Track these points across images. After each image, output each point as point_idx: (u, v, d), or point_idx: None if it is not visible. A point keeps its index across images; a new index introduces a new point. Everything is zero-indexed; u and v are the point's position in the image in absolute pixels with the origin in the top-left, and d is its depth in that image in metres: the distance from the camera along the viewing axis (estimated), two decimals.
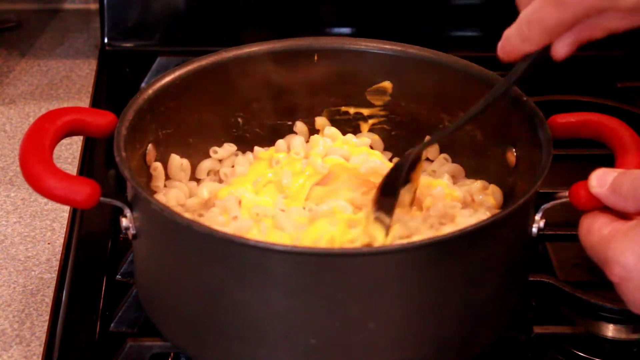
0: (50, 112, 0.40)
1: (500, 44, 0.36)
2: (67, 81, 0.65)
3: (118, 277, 0.45)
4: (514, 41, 0.35)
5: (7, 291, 0.46)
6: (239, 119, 0.47)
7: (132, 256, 0.44)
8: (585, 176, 0.37)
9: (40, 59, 0.67)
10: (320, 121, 0.48)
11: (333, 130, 0.47)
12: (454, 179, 0.46)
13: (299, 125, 0.48)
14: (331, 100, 0.48)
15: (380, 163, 0.44)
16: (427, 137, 0.44)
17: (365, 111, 0.48)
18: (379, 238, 0.39)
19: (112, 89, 0.63)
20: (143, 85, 0.61)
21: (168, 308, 0.39)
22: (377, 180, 0.43)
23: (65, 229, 0.49)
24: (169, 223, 0.36)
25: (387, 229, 0.39)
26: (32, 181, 0.37)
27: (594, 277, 0.44)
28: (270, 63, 0.46)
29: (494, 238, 0.36)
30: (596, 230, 0.35)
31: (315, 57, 0.46)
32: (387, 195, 0.40)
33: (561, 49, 0.35)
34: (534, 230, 0.39)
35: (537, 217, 0.38)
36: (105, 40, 0.66)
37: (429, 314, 0.36)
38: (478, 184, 0.45)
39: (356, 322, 0.35)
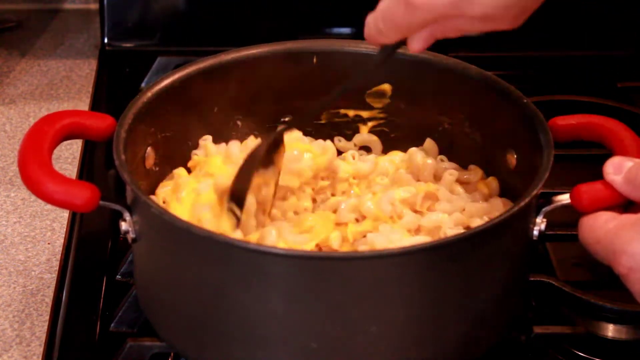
0: (49, 115, 0.40)
1: (364, 29, 0.37)
2: (67, 81, 0.65)
3: (118, 277, 0.45)
4: (372, 32, 0.36)
5: (7, 291, 0.46)
6: (238, 122, 0.47)
7: (131, 256, 0.44)
8: (585, 177, 0.37)
9: (40, 59, 0.67)
10: (360, 137, 0.48)
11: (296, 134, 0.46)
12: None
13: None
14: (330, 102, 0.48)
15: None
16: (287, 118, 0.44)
17: (365, 114, 0.48)
18: (228, 230, 0.38)
19: (112, 89, 0.63)
20: (143, 85, 0.61)
21: (168, 311, 0.39)
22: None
23: (65, 229, 0.49)
24: (168, 226, 0.36)
25: (238, 220, 0.38)
26: (32, 185, 0.37)
27: (594, 277, 0.45)
28: (270, 65, 0.46)
29: (495, 241, 0.36)
30: (601, 225, 0.34)
31: (314, 59, 0.46)
32: (240, 183, 0.39)
33: (415, 44, 0.36)
34: (535, 232, 0.38)
35: (538, 219, 0.38)
36: (105, 40, 0.66)
37: (430, 317, 0.36)
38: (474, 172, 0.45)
39: (357, 325, 0.35)
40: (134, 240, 0.38)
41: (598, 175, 0.37)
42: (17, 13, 0.72)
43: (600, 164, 0.37)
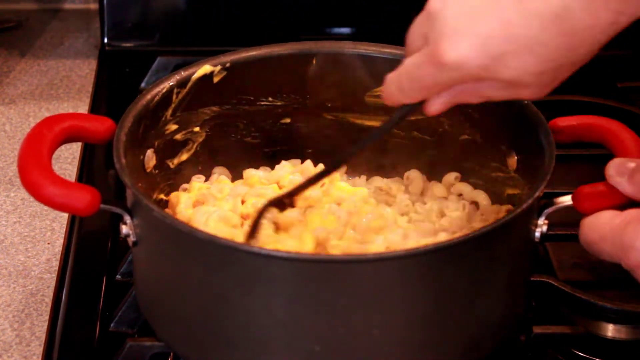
0: (48, 118, 0.40)
1: (383, 88, 0.36)
2: (67, 81, 0.65)
3: (118, 277, 0.45)
4: (393, 90, 0.35)
5: (6, 291, 0.46)
6: (239, 123, 0.47)
7: (131, 256, 0.44)
8: (587, 177, 0.37)
9: (40, 59, 0.67)
10: (448, 178, 0.47)
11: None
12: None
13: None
14: (330, 104, 0.48)
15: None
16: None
17: (366, 122, 0.48)
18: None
19: (112, 89, 0.63)
20: (143, 85, 0.61)
21: (168, 314, 0.39)
22: None
23: (65, 229, 0.49)
24: (170, 230, 0.35)
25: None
26: (32, 189, 0.37)
27: (594, 277, 0.45)
28: (271, 67, 0.46)
29: (497, 243, 0.36)
30: (606, 221, 0.34)
31: (314, 61, 0.46)
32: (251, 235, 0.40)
33: (433, 107, 0.35)
34: (537, 234, 0.38)
35: (540, 221, 0.38)
36: (105, 40, 0.66)
37: (433, 320, 0.36)
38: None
39: (360, 328, 0.35)
40: (135, 243, 0.38)
41: (599, 174, 0.37)
42: (17, 13, 0.72)
43: (601, 164, 0.37)
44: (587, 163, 0.47)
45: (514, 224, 0.36)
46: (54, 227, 0.50)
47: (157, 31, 0.66)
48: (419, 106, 0.35)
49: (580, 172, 0.38)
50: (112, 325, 0.42)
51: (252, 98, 0.47)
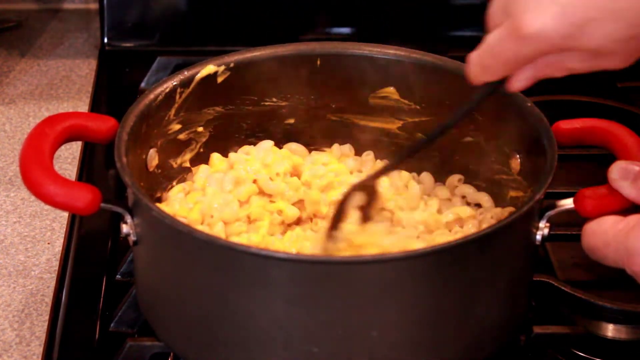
0: (50, 117, 0.40)
1: (465, 67, 0.35)
2: (67, 81, 0.65)
3: (118, 277, 0.45)
4: (477, 68, 0.35)
5: (6, 291, 0.46)
6: (243, 124, 0.47)
7: (131, 256, 0.44)
8: (589, 177, 0.37)
9: (40, 59, 0.67)
10: (451, 180, 0.47)
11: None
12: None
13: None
14: (334, 105, 0.48)
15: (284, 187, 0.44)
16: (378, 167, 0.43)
17: (370, 123, 0.48)
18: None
19: (112, 89, 0.63)
20: (143, 85, 0.61)
21: (169, 314, 0.39)
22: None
23: (65, 229, 0.49)
24: (170, 230, 0.35)
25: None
26: (33, 187, 0.37)
27: (594, 277, 0.45)
28: (275, 67, 0.46)
29: (498, 246, 0.36)
30: (609, 227, 0.34)
31: (318, 62, 0.46)
32: (334, 225, 0.40)
33: (517, 83, 0.34)
34: (538, 237, 0.38)
35: (541, 224, 0.38)
36: (105, 40, 0.66)
37: (432, 322, 0.36)
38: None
39: (358, 330, 0.35)
40: (135, 243, 0.38)
41: (602, 174, 0.37)
42: (17, 13, 0.72)
43: (603, 164, 0.37)
44: (590, 163, 0.47)
45: (515, 226, 0.36)
46: (54, 227, 0.50)
47: (157, 31, 0.66)
48: (502, 84, 0.35)
49: (582, 172, 0.38)
50: (112, 325, 0.42)
51: (255, 98, 0.47)
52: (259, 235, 0.42)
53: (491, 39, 0.33)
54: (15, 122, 0.60)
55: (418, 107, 0.47)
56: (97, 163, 0.55)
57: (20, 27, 0.71)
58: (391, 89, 0.47)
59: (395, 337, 0.36)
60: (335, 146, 0.48)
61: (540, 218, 0.38)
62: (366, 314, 0.35)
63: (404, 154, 0.42)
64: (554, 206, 0.38)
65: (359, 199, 0.40)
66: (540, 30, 0.31)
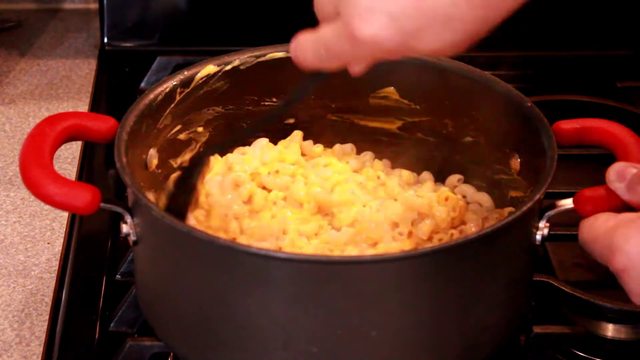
0: (50, 117, 0.40)
1: (293, 49, 0.34)
2: (66, 81, 0.65)
3: (118, 277, 0.45)
4: (307, 55, 0.34)
5: (6, 291, 0.46)
6: (243, 124, 0.47)
7: (131, 255, 0.44)
8: (588, 178, 0.37)
9: (40, 58, 0.67)
10: (451, 180, 0.47)
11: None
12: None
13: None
14: (335, 105, 0.48)
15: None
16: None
17: (370, 123, 0.48)
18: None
19: (112, 89, 0.63)
20: (143, 85, 0.61)
21: (168, 314, 0.39)
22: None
23: (65, 229, 0.49)
24: (169, 229, 0.35)
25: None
26: (32, 187, 0.37)
27: (594, 277, 0.45)
28: (275, 67, 0.46)
29: (497, 246, 0.36)
30: (600, 224, 0.34)
31: None
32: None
33: (355, 69, 0.34)
34: (538, 237, 0.38)
35: (541, 224, 0.38)
36: (105, 40, 0.66)
37: (432, 322, 0.36)
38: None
39: (358, 330, 0.35)
40: (135, 242, 0.38)
41: (600, 174, 0.37)
42: (17, 13, 0.72)
43: (602, 164, 0.37)
44: (590, 163, 0.46)
45: (514, 226, 0.36)
46: (54, 226, 0.50)
47: (157, 31, 0.66)
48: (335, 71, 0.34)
49: (582, 172, 0.38)
50: (112, 325, 0.42)
51: (255, 98, 0.47)
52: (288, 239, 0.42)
53: (327, 34, 0.33)
54: (15, 122, 0.60)
55: (418, 106, 0.47)
56: (97, 163, 0.55)
57: (20, 27, 0.70)
58: (391, 89, 0.46)
59: (395, 337, 0.36)
60: (338, 146, 0.48)
61: (540, 218, 0.38)
62: (365, 314, 0.35)
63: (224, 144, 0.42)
64: (554, 206, 0.38)
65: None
66: (373, 37, 0.30)
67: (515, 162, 0.43)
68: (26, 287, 0.46)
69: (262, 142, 0.46)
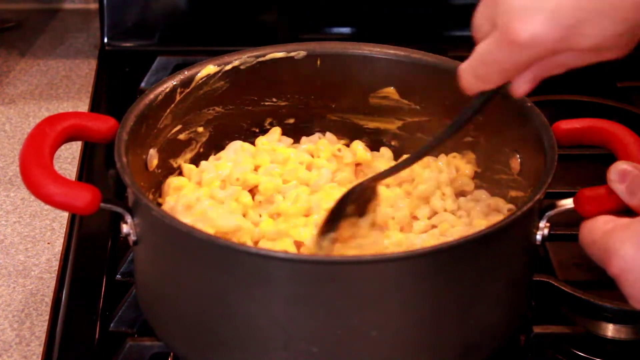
0: (50, 117, 0.40)
1: (458, 80, 0.35)
2: (66, 81, 0.65)
3: (118, 277, 0.45)
4: (470, 79, 0.34)
5: (6, 291, 0.46)
6: (243, 124, 0.47)
7: (131, 256, 0.44)
8: (588, 178, 0.37)
9: (40, 58, 0.67)
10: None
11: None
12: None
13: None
14: (335, 105, 0.48)
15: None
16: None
17: (370, 123, 0.48)
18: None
19: (111, 89, 0.63)
20: (143, 85, 0.61)
21: (168, 314, 0.39)
22: None
23: (65, 229, 0.49)
24: (169, 229, 0.35)
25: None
26: (32, 187, 0.37)
27: (594, 277, 0.44)
28: (275, 68, 0.46)
29: (497, 246, 0.36)
30: (599, 227, 0.34)
31: (318, 62, 0.46)
32: (329, 225, 0.39)
33: (520, 88, 0.34)
34: (538, 237, 0.38)
35: (542, 224, 0.38)
36: (105, 40, 0.66)
37: (432, 322, 0.36)
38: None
39: (358, 330, 0.35)
40: (135, 242, 0.38)
41: (600, 174, 0.37)
42: (17, 13, 0.72)
43: (603, 164, 0.37)
44: (590, 163, 0.46)
45: (514, 226, 0.36)
46: (54, 226, 0.50)
47: (157, 31, 0.66)
48: (498, 91, 0.35)
49: (582, 172, 0.38)
50: (112, 325, 0.42)
51: (255, 98, 0.46)
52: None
53: (483, 50, 0.33)
54: (15, 122, 0.60)
55: (418, 107, 0.47)
56: (97, 163, 0.55)
57: (20, 27, 0.70)
58: (391, 89, 0.46)
59: (395, 336, 0.36)
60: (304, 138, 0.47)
61: (540, 218, 0.38)
62: (365, 314, 0.35)
63: (401, 165, 0.42)
64: (554, 206, 0.38)
65: (357, 199, 0.40)
66: (533, 37, 0.31)
67: (515, 162, 0.43)
68: (26, 287, 0.46)
69: (236, 146, 0.46)
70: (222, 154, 0.46)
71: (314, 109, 0.48)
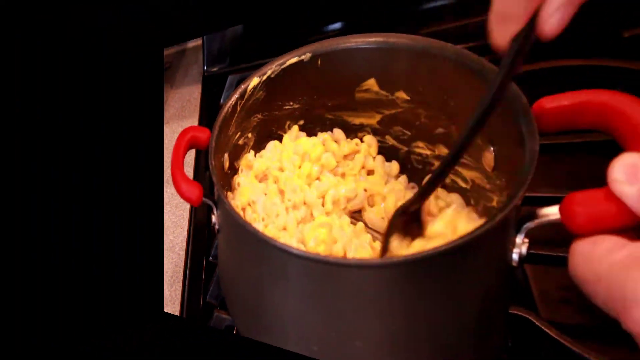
0: (181, 132, 0.43)
1: (488, 35, 0.24)
2: (188, 104, 0.68)
3: (210, 258, 0.47)
4: (497, 27, 0.23)
5: (165, 263, 0.50)
6: (272, 127, 0.44)
7: (217, 242, 0.46)
8: (580, 177, 0.22)
9: (178, 88, 0.71)
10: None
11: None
12: None
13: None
14: (331, 104, 0.42)
15: None
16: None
17: (356, 119, 0.41)
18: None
19: (209, 106, 0.65)
20: (221, 101, 0.62)
21: (232, 295, 0.39)
22: None
23: (187, 218, 0.55)
24: (232, 221, 0.35)
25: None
26: (174, 184, 0.41)
27: (588, 321, 0.28)
28: (294, 74, 0.42)
29: (464, 264, 0.25)
30: (604, 253, 0.20)
31: (319, 62, 0.41)
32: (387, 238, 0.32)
33: (551, 17, 0.22)
34: (515, 256, 0.25)
35: (518, 239, 0.24)
36: (205, 68, 0.66)
37: (406, 336, 0.29)
38: None
39: (346, 335, 0.31)
40: (218, 231, 0.39)
41: (598, 171, 0.21)
42: (167, 56, 0.76)
43: (601, 155, 0.21)
44: (582, 155, 0.27)
45: (485, 240, 0.24)
46: (184, 215, 0.57)
47: (227, 55, 0.66)
48: (529, 34, 0.24)
49: (572, 169, 0.24)
50: (207, 297, 0.44)
51: (280, 103, 0.44)
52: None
53: None
54: (170, 137, 0.64)
55: (394, 97, 0.38)
56: (202, 166, 0.58)
57: (170, 67, 0.74)
58: (372, 81, 0.38)
59: (370, 349, 0.30)
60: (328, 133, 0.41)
61: (518, 231, 0.24)
62: (351, 320, 0.30)
63: (438, 177, 0.31)
64: (534, 216, 0.24)
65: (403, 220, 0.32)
66: None
67: (489, 156, 0.29)
68: (172, 260, 0.53)
69: (272, 145, 0.43)
70: (262, 152, 0.44)
71: (316, 108, 0.42)
